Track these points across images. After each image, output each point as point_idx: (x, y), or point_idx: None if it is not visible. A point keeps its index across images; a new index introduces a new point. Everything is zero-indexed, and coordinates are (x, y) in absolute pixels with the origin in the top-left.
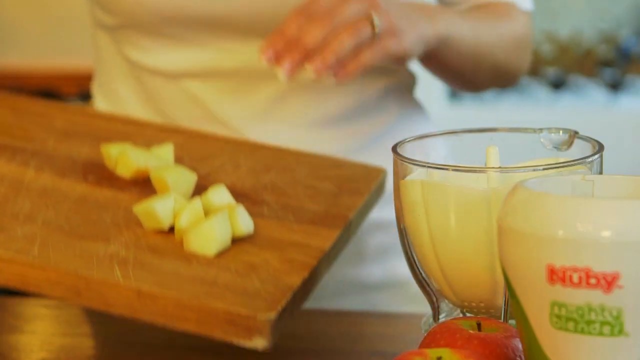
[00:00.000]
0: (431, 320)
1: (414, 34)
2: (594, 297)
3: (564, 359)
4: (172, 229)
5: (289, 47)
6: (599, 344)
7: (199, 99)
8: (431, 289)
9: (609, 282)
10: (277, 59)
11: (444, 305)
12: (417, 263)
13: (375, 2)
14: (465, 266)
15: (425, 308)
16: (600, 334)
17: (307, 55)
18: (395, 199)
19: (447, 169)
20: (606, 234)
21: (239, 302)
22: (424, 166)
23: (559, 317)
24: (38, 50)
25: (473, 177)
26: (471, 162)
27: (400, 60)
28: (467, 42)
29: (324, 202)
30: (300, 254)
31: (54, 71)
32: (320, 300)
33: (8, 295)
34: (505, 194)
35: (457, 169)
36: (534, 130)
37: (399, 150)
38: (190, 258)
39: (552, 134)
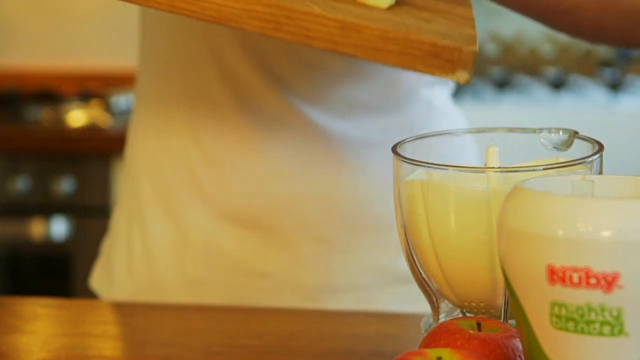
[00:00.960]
0: (431, 320)
1: None
2: (594, 297)
3: (564, 359)
4: None
5: None
6: (599, 344)
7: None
8: (431, 289)
9: (609, 282)
10: None
11: (444, 305)
12: (417, 263)
13: None
14: (465, 266)
15: (425, 307)
16: (600, 334)
17: None
18: (395, 199)
19: (447, 169)
20: (606, 234)
21: (441, 38)
22: (424, 166)
23: (559, 317)
24: (38, 50)
25: (473, 177)
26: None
27: None
28: None
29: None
30: (455, 17)
31: (54, 71)
32: (357, 290)
33: (8, 295)
34: (505, 194)
35: (457, 169)
36: (534, 130)
37: (399, 150)
38: (369, 7)
39: (552, 134)
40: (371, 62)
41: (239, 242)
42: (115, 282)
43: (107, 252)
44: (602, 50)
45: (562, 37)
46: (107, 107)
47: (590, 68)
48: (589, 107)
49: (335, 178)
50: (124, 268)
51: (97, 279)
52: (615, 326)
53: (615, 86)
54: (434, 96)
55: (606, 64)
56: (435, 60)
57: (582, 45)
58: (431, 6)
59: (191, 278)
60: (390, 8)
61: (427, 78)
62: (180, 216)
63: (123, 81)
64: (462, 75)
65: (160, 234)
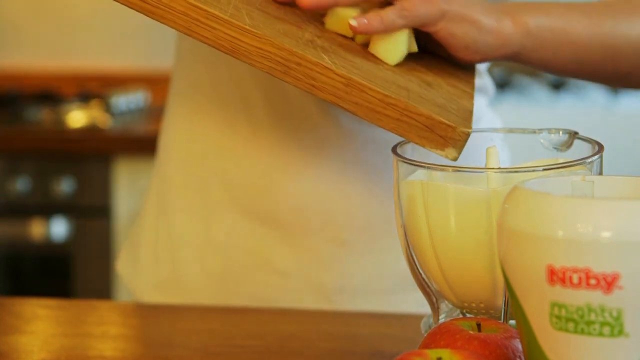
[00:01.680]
0: (431, 320)
1: (464, 9)
2: (594, 297)
3: None
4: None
5: None
6: (599, 344)
7: None
8: (431, 290)
9: (609, 283)
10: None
11: (444, 306)
12: (416, 263)
13: None
14: (465, 267)
15: (425, 308)
16: (600, 334)
17: None
18: (394, 199)
19: (447, 170)
20: (606, 234)
21: (437, 112)
22: (424, 167)
23: (558, 317)
24: (38, 50)
25: (473, 178)
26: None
27: (466, 53)
28: (583, 40)
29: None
30: (458, 82)
31: (54, 72)
32: (375, 293)
33: (8, 295)
34: (505, 195)
35: (457, 169)
36: (534, 131)
37: (399, 150)
38: (377, 61)
39: (552, 135)
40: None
41: (259, 240)
42: (140, 270)
43: (133, 238)
44: None
45: None
46: (107, 108)
47: None
48: (589, 108)
49: (358, 180)
50: (149, 257)
51: (122, 264)
52: (615, 327)
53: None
54: None
55: None
56: (428, 133)
57: None
58: (436, 67)
59: (212, 272)
60: (397, 64)
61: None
62: (206, 209)
63: (123, 82)
64: (451, 153)
65: (185, 225)
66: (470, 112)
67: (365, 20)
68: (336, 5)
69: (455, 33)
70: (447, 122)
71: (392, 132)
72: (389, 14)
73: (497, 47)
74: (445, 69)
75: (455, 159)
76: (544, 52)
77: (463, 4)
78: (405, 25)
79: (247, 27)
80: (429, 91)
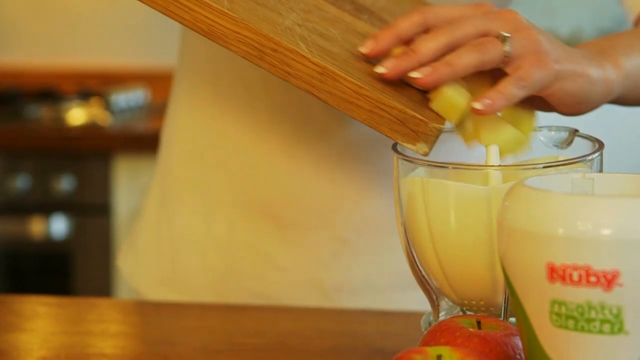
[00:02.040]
0: (431, 318)
1: (572, 64)
2: (594, 295)
3: (564, 357)
4: None
5: (400, 56)
6: (599, 342)
7: None
8: (431, 287)
9: (609, 280)
10: (380, 54)
11: (444, 304)
12: (417, 261)
13: (516, 19)
14: (466, 264)
15: (425, 306)
16: (600, 332)
17: (416, 64)
18: (395, 197)
19: (446, 167)
20: (606, 232)
21: (412, 107)
22: (424, 164)
23: (558, 315)
24: (38, 48)
25: (473, 176)
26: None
27: (548, 97)
28: None
29: None
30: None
31: (54, 69)
32: (377, 292)
33: (8, 293)
34: (506, 192)
35: (456, 167)
36: (534, 129)
37: (399, 148)
38: (355, 52)
39: (552, 132)
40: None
41: (260, 236)
42: (140, 266)
43: (135, 234)
44: None
45: (562, 36)
46: (107, 106)
47: None
48: None
49: (359, 178)
50: (150, 252)
51: (123, 260)
52: (615, 324)
53: None
54: None
55: None
56: (400, 127)
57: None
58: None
59: (212, 268)
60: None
61: None
62: (207, 205)
63: (123, 80)
64: (422, 148)
65: (186, 221)
66: (442, 121)
67: (489, 101)
68: (441, 81)
69: (570, 91)
70: (419, 116)
71: (364, 123)
72: (509, 88)
73: (606, 95)
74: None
75: (426, 154)
76: (638, 90)
77: (569, 58)
78: (525, 95)
79: (225, 10)
80: (409, 88)
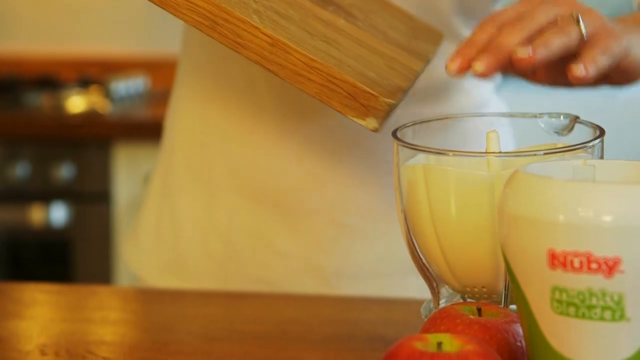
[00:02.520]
0: (431, 305)
1: (631, 35)
2: (595, 282)
3: (565, 344)
4: None
5: (484, 50)
6: (600, 329)
7: None
8: (431, 274)
9: (610, 267)
10: (469, 64)
11: (444, 291)
12: (417, 248)
13: (574, 2)
14: (467, 251)
15: (425, 293)
16: (602, 319)
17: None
18: (395, 184)
19: (447, 154)
20: (607, 218)
21: (364, 82)
22: (425, 151)
23: (559, 302)
24: (37, 36)
25: (474, 162)
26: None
27: (625, 68)
28: None
29: (405, 37)
30: (399, 66)
31: (53, 57)
32: (377, 278)
33: (8, 281)
34: (507, 179)
35: (457, 153)
36: (535, 115)
37: (399, 135)
38: (313, 33)
39: (553, 119)
40: (292, 85)
41: (261, 222)
42: (142, 252)
43: (137, 221)
44: None
45: None
46: (107, 93)
47: None
48: (589, 92)
49: (359, 164)
50: (152, 239)
51: (126, 247)
52: (616, 311)
53: None
54: (475, 87)
55: None
56: (350, 101)
57: None
58: (381, 48)
59: (214, 254)
60: (338, 41)
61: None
62: (208, 191)
63: (122, 67)
64: (372, 123)
65: (187, 207)
66: (401, 90)
67: (582, 66)
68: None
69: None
70: (370, 90)
71: (316, 97)
72: (598, 57)
73: None
74: (390, 52)
75: (375, 130)
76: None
77: (627, 31)
78: (609, 64)
79: None
80: (363, 65)
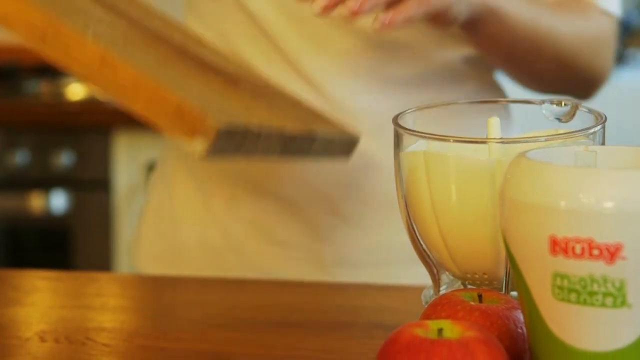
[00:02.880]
0: (432, 292)
1: None
2: (596, 268)
3: (566, 331)
4: None
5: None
6: (602, 315)
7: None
8: (432, 261)
9: (611, 253)
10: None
11: (445, 277)
12: (418, 235)
13: None
14: (468, 237)
15: (425, 281)
16: (603, 305)
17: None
18: (395, 170)
19: (448, 140)
20: (609, 204)
21: (196, 99)
22: (426, 137)
23: (561, 288)
24: None
25: (475, 149)
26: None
27: (444, 19)
28: (522, 21)
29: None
30: (267, 116)
31: None
32: (377, 266)
33: (7, 268)
34: (508, 165)
35: (458, 140)
36: (537, 102)
37: (400, 121)
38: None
39: (555, 105)
40: (121, 102)
41: (259, 211)
42: (141, 242)
43: (141, 215)
44: None
45: None
46: None
47: None
48: None
49: (358, 153)
50: (150, 229)
51: (131, 242)
52: (617, 297)
53: (616, 59)
54: (474, 74)
55: None
56: (178, 120)
57: None
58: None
59: (212, 244)
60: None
61: (466, 53)
62: (206, 182)
63: None
64: (198, 145)
65: (185, 197)
66: (243, 125)
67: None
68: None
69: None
70: (197, 111)
71: (144, 115)
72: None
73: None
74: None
75: (201, 155)
76: (489, 29)
77: None
78: (423, 14)
79: None
80: (212, 81)
